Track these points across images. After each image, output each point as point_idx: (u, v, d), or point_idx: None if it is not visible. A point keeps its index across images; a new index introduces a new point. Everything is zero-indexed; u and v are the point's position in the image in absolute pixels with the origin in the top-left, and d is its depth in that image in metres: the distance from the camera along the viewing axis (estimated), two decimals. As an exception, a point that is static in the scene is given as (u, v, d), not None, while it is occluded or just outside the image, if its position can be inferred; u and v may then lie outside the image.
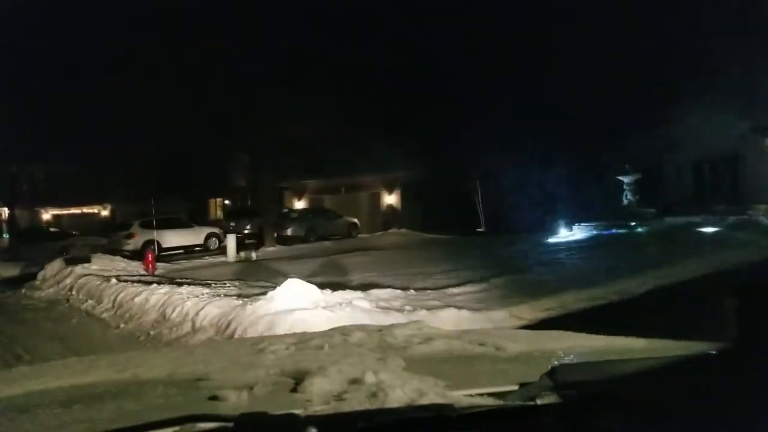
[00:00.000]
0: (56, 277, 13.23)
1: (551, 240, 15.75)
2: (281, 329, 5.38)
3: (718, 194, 19.06)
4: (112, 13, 26.97)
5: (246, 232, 22.52)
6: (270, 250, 18.48)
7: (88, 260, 13.40)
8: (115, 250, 18.11)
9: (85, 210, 33.33)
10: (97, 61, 27.83)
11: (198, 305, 7.15)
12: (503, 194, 27.35)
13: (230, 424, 0.96)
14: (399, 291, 7.04)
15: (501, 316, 6.28)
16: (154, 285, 9.73)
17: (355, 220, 23.16)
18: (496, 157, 21.76)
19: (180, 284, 10.02)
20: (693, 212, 15.99)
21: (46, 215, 33.67)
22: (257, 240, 21.26)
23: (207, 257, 17.75)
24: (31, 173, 33.01)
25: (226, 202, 31.77)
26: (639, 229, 15.45)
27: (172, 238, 19.83)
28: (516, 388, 1.10)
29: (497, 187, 25.52)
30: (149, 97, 27.00)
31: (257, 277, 11.23)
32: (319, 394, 1.16)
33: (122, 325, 8.35)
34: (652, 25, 20.70)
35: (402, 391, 1.10)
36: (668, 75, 19.18)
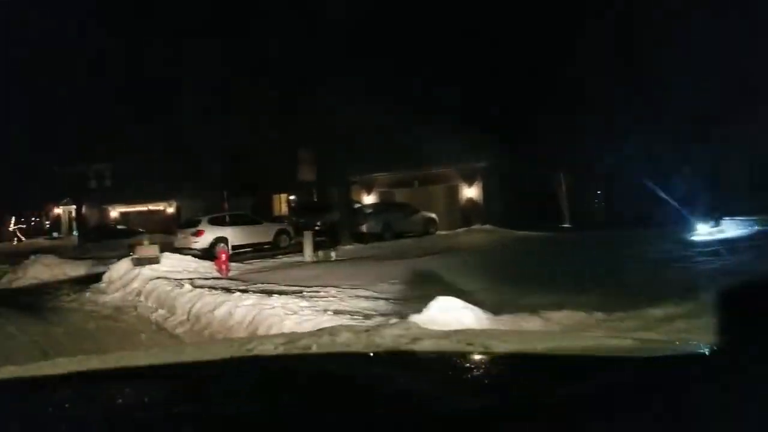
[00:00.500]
0: (122, 280, 11.94)
1: (696, 238, 13.01)
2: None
3: None
4: (174, 8, 26.20)
5: (317, 228, 20.98)
6: (348, 248, 16.78)
7: (156, 260, 12.03)
8: (182, 249, 16.97)
9: (151, 207, 32.90)
10: (162, 58, 27.15)
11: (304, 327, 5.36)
12: (599, 185, 24.79)
13: None
14: (582, 314, 4.95)
15: None
16: (237, 294, 8.10)
17: (433, 216, 21.19)
18: (596, 145, 19.34)
19: (265, 293, 8.36)
20: None
21: (113, 213, 33.48)
22: (329, 237, 19.71)
23: (280, 256, 16.24)
24: (98, 171, 32.92)
25: (291, 197, 30.48)
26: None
27: (242, 236, 18.53)
28: None
29: (591, 177, 23.08)
30: (212, 92, 26.11)
31: (351, 283, 9.45)
32: None
33: (202, 346, 6.72)
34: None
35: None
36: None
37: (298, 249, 17.43)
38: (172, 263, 12.53)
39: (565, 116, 20.85)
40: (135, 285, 11.27)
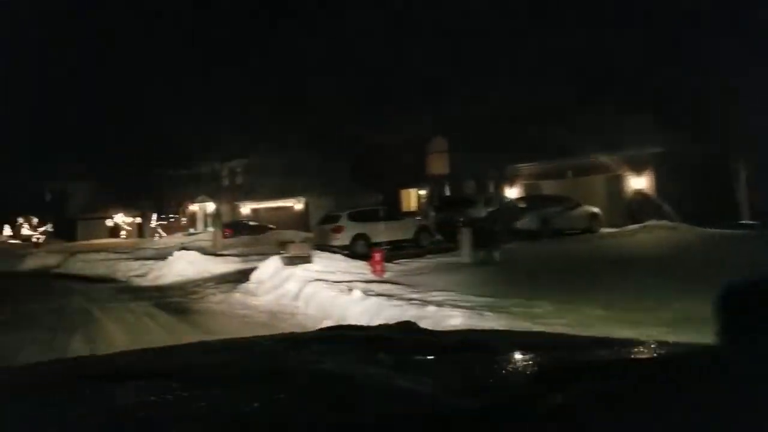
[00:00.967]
0: (273, 280, 10.69)
1: None
2: None
3: None
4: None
5: (459, 225, 19.00)
6: (508, 248, 14.54)
7: (309, 260, 10.66)
8: (321, 246, 15.79)
9: (280, 204, 32.87)
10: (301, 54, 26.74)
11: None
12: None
13: None
14: None
15: None
16: (432, 308, 6.26)
17: (597, 210, 18.30)
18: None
19: (458, 307, 6.46)
20: None
21: (244, 209, 33.91)
22: (477, 235, 17.61)
23: (429, 256, 14.42)
24: (231, 168, 33.47)
25: (421, 192, 28.78)
26: None
27: (381, 232, 17.03)
28: None
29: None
30: (340, 88, 25.19)
31: (558, 297, 7.27)
32: None
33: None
34: None
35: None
36: None
37: (444, 248, 15.65)
38: (324, 263, 11.12)
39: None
40: (289, 287, 9.94)
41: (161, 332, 7.77)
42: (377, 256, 11.24)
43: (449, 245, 15.42)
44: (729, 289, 0.94)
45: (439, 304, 6.90)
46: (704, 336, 1.14)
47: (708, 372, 0.86)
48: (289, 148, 28.87)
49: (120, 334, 7.61)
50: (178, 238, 31.56)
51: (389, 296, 7.56)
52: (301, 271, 10.41)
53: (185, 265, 15.69)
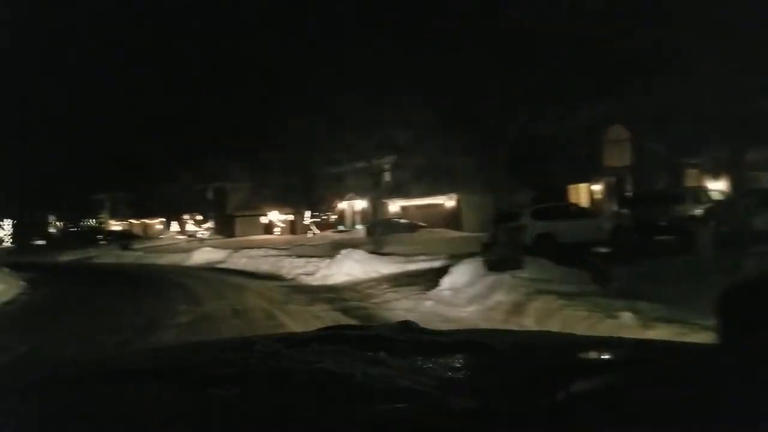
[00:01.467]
0: (474, 288, 8.86)
1: None
2: None
3: None
4: None
5: (662, 224, 15.87)
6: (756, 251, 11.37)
7: (518, 264, 8.64)
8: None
9: (430, 201, 31.33)
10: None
11: None
12: None
13: None
14: None
15: None
16: None
17: None
18: None
19: None
20: None
21: (393, 206, 32.89)
22: (680, 235, 14.47)
23: (648, 261, 11.68)
24: (379, 165, 32.64)
25: (594, 187, 25.46)
26: None
27: (571, 231, 14.54)
28: None
29: None
30: (498, 81, 22.87)
31: None
32: None
33: None
34: None
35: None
36: None
37: (659, 250, 12.85)
38: (532, 270, 9.02)
39: None
40: (499, 298, 8.03)
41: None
42: (599, 263, 8.93)
43: (672, 247, 12.65)
44: (729, 289, 0.89)
45: None
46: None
47: (708, 372, 0.85)
48: (439, 141, 27.11)
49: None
50: (330, 234, 31.41)
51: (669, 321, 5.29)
52: (509, 278, 8.44)
53: (352, 264, 14.64)
